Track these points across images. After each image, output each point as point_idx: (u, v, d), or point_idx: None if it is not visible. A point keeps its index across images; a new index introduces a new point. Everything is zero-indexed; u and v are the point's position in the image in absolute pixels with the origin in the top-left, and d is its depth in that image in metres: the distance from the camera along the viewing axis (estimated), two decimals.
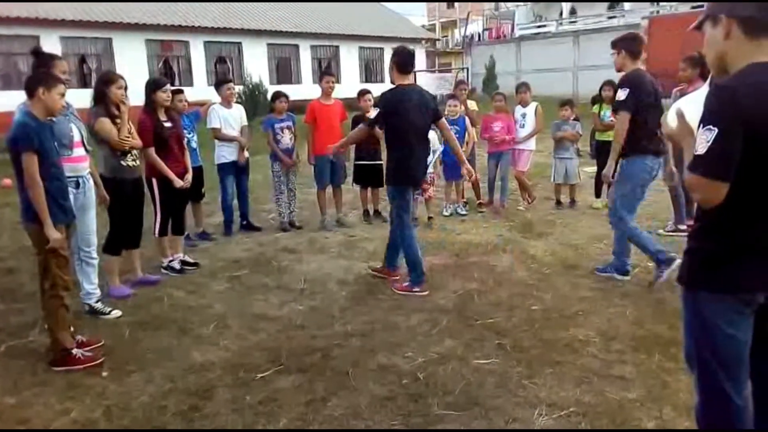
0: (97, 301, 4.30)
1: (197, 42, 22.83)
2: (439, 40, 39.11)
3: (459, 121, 7.14)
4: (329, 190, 6.91)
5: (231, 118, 6.38)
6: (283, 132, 6.61)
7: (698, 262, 1.93)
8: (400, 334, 3.87)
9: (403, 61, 4.75)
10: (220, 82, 6.62)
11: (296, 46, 25.93)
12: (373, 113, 4.57)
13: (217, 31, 22.96)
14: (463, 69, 24.19)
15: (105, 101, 4.44)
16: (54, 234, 3.37)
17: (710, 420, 1.99)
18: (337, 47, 27.28)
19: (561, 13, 32.67)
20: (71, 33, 19.54)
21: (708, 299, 1.90)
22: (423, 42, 31.50)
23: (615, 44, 4.63)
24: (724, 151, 1.71)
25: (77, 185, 4.13)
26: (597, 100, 7.76)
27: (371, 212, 7.21)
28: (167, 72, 21.94)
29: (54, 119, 3.78)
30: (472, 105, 7.80)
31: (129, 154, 4.57)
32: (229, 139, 6.37)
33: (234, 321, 4.18)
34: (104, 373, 3.42)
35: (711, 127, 1.72)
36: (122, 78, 4.53)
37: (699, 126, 1.78)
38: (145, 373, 3.41)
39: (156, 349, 3.74)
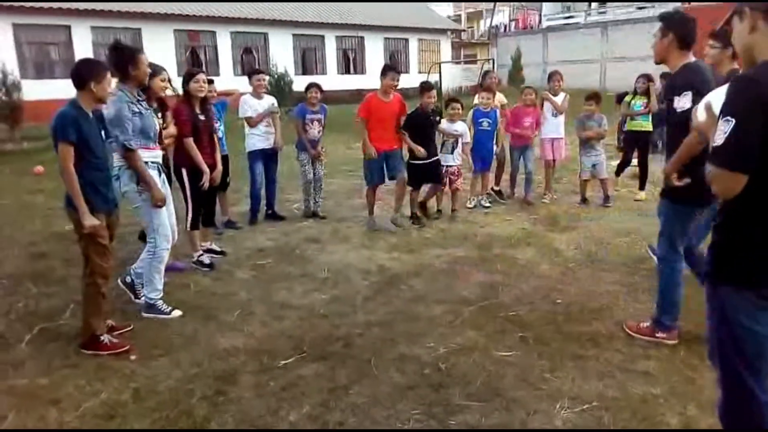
0: (141, 283, 4.34)
1: (224, 32, 23.06)
2: (464, 31, 38.81)
3: (491, 114, 7.03)
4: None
5: (261, 109, 6.42)
6: (312, 124, 6.64)
7: (719, 256, 1.94)
8: (422, 325, 3.89)
9: (689, 33, 3.38)
10: (251, 72, 6.64)
11: (321, 37, 26.00)
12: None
13: (243, 22, 23.15)
14: (488, 60, 23.98)
15: (148, 94, 4.45)
16: (89, 221, 3.39)
17: (733, 415, 1.98)
18: (362, 38, 27.26)
19: (590, 4, 32.13)
20: (102, 23, 19.87)
21: (729, 294, 1.90)
22: (448, 33, 31.28)
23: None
24: (741, 142, 1.71)
25: (159, 172, 4.20)
26: (622, 97, 7.71)
27: (416, 213, 6.61)
28: (194, 62, 22.18)
29: (142, 111, 3.91)
30: (500, 97, 7.61)
31: None
32: (264, 117, 6.36)
33: (258, 308, 4.24)
34: (132, 357, 3.50)
35: (729, 118, 1.72)
36: (165, 70, 4.58)
37: (719, 117, 1.78)
38: (172, 358, 3.49)
39: (182, 335, 3.82)
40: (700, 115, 2.23)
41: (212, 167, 5.15)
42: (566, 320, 3.90)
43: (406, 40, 28.97)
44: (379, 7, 28.07)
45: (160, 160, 4.27)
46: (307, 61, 25.99)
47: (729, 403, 1.98)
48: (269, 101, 6.59)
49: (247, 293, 4.56)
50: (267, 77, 6.92)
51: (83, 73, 3.43)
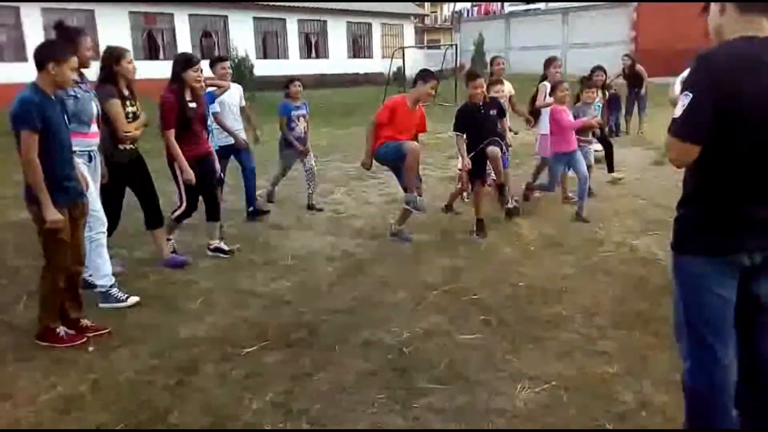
0: (90, 275, 4.24)
1: (182, 14, 22.41)
2: (428, 15, 38.74)
3: None
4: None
5: (230, 99, 6.00)
6: (298, 120, 6.42)
7: (683, 228, 2.05)
8: (386, 310, 3.91)
9: None
10: (214, 60, 6.07)
11: (283, 20, 25.57)
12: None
13: (202, 4, 22.54)
14: (452, 46, 24.00)
15: (115, 79, 4.24)
16: (51, 215, 3.23)
17: (698, 380, 2.08)
18: (324, 22, 26.94)
19: None
20: (53, 5, 19.03)
21: (693, 262, 2.02)
22: (412, 18, 31.18)
23: None
24: (694, 114, 1.86)
25: (90, 158, 4.02)
26: (585, 80, 7.73)
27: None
28: (151, 45, 21.53)
29: (77, 94, 3.74)
30: (508, 87, 6.76)
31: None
32: (228, 131, 5.98)
33: (220, 297, 4.18)
34: (90, 348, 3.42)
35: (687, 92, 1.87)
36: (128, 51, 4.36)
37: (681, 92, 1.93)
38: (131, 348, 3.42)
39: (142, 325, 3.74)
40: (677, 89, 2.33)
41: (207, 155, 4.95)
42: (527, 302, 3.97)
43: (369, 24, 28.76)
44: None
45: (94, 147, 4.06)
46: (269, 45, 25.53)
47: (695, 367, 2.08)
48: (237, 90, 6.16)
49: (209, 281, 4.49)
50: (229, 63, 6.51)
51: (43, 54, 3.26)
